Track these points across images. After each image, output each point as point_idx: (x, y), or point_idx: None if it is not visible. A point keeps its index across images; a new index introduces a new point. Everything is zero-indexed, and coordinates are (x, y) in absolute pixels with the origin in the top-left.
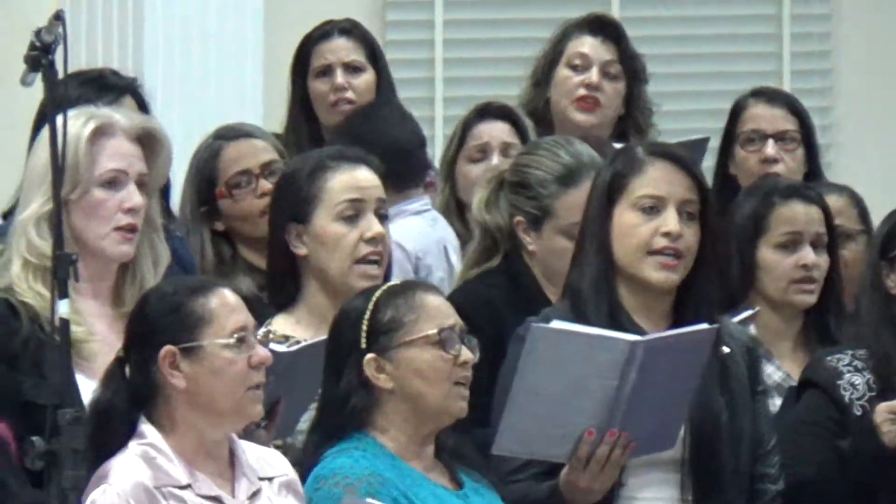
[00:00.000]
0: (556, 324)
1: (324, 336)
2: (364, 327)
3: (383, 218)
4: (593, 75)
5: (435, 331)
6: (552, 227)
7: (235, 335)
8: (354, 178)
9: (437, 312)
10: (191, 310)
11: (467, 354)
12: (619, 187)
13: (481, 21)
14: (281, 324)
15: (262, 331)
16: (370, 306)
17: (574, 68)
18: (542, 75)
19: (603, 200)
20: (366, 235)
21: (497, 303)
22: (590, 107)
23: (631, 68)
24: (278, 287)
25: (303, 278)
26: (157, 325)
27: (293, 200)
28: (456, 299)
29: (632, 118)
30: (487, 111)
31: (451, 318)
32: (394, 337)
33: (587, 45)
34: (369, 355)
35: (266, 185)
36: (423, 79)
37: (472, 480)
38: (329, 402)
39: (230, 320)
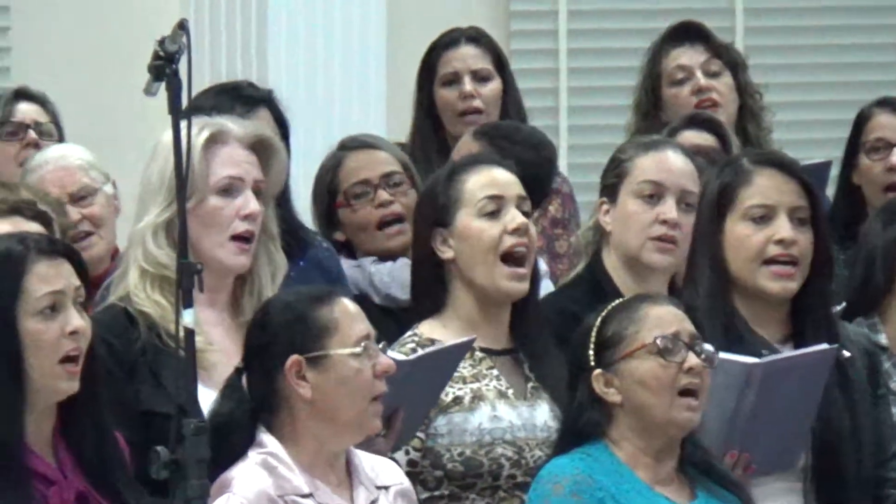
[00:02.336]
0: None
1: (444, 344)
2: (592, 343)
3: (527, 214)
4: (700, 79)
5: (651, 340)
6: (626, 190)
7: (361, 344)
8: (491, 177)
9: (659, 322)
10: (315, 319)
11: (693, 361)
12: (727, 199)
13: (605, 31)
14: (427, 328)
15: (408, 334)
16: (598, 322)
17: (678, 82)
18: (648, 104)
19: (712, 213)
20: (509, 227)
21: (582, 315)
22: (711, 109)
23: (729, 59)
24: (423, 295)
25: (449, 283)
26: (282, 335)
27: (434, 207)
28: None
29: (745, 105)
30: (695, 120)
31: (674, 326)
32: (616, 350)
33: (680, 55)
34: (597, 371)
35: (384, 195)
36: (548, 89)
37: (712, 497)
38: (567, 418)
39: (354, 329)
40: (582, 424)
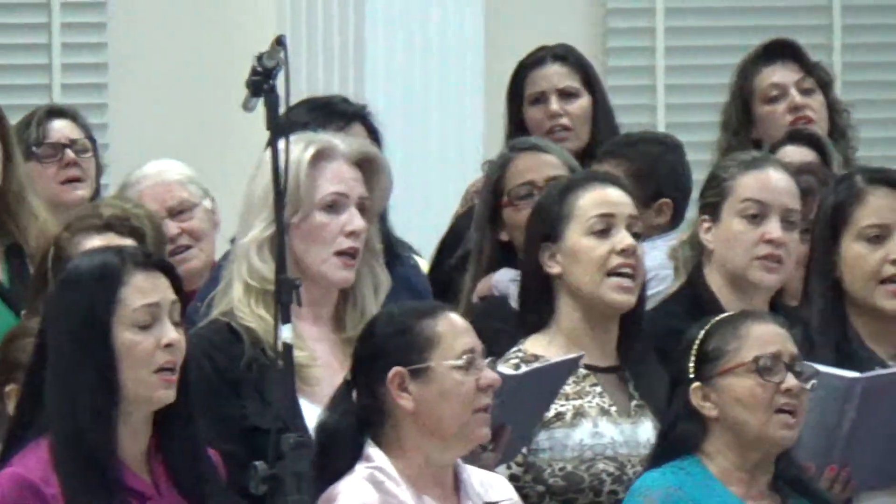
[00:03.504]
0: None
1: (551, 360)
2: (692, 356)
3: (636, 236)
4: (795, 97)
5: (751, 358)
6: (728, 208)
7: (464, 357)
8: (604, 195)
9: (760, 340)
10: (419, 331)
11: (791, 382)
12: (841, 218)
13: (702, 47)
14: (532, 343)
15: (512, 350)
16: (700, 336)
17: (772, 100)
18: (738, 122)
19: (826, 232)
20: (617, 248)
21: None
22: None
23: (819, 77)
24: (530, 308)
25: (556, 299)
26: (386, 347)
27: (545, 221)
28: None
29: (833, 123)
30: (796, 136)
31: (776, 345)
32: (716, 365)
33: (774, 73)
34: (695, 384)
35: None
36: (644, 105)
37: None
38: (663, 429)
39: (458, 342)
40: (676, 437)
